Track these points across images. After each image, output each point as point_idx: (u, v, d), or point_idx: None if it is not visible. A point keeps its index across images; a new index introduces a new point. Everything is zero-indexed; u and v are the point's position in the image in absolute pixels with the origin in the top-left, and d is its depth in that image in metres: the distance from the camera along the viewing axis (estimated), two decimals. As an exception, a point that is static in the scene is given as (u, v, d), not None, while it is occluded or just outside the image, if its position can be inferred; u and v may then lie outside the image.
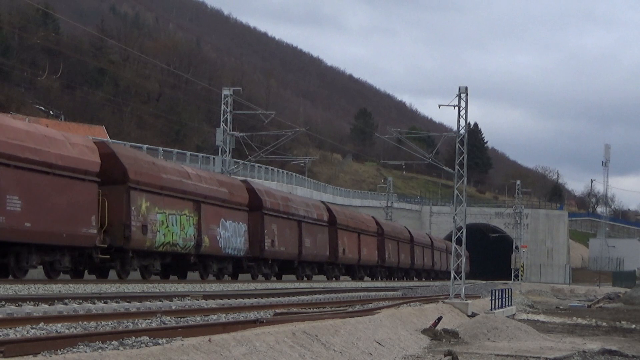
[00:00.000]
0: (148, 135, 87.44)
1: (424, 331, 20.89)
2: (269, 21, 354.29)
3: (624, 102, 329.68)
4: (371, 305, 23.16)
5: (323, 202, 54.05)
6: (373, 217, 64.66)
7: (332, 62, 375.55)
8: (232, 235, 36.78)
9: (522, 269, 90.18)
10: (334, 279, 52.07)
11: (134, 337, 11.00)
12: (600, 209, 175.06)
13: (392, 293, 35.03)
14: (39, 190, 24.59)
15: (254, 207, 39.48)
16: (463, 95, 29.81)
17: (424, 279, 75.05)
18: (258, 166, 68.62)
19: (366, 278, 60.55)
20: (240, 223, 37.90)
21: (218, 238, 35.39)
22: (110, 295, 19.41)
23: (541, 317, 35.36)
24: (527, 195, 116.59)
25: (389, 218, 79.06)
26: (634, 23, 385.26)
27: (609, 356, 19.40)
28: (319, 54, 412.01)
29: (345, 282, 50.62)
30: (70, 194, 25.84)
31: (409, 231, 71.89)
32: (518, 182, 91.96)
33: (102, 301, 17.49)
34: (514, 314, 34.35)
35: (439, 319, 22.27)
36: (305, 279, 47.01)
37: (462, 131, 30.34)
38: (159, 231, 30.54)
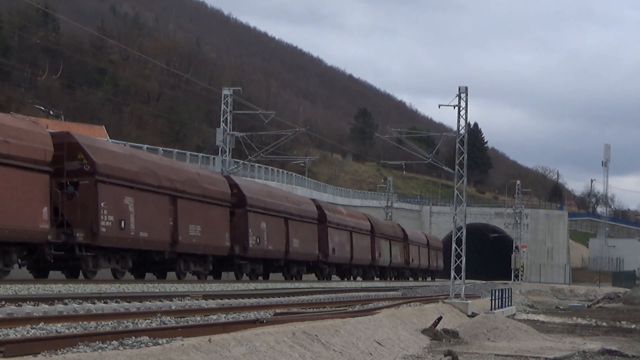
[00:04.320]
0: (148, 135, 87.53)
1: (424, 331, 20.89)
2: (269, 21, 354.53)
3: (623, 102, 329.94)
4: (371, 305, 23.15)
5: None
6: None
7: (332, 62, 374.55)
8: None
9: (522, 269, 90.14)
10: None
11: (134, 337, 10.99)
12: (600, 209, 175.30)
13: (392, 293, 34.98)
14: None
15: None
16: (463, 95, 29.80)
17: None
18: (258, 166, 68.59)
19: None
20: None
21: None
22: (110, 295, 19.40)
23: (541, 317, 35.34)
24: (527, 195, 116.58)
25: (389, 218, 78.63)
26: (634, 23, 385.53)
27: (609, 356, 19.40)
28: (319, 53, 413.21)
29: (345, 282, 50.00)
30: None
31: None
32: (518, 182, 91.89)
33: (102, 301, 17.48)
34: (514, 314, 34.33)
35: (439, 319, 22.26)
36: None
37: (462, 131, 30.33)
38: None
